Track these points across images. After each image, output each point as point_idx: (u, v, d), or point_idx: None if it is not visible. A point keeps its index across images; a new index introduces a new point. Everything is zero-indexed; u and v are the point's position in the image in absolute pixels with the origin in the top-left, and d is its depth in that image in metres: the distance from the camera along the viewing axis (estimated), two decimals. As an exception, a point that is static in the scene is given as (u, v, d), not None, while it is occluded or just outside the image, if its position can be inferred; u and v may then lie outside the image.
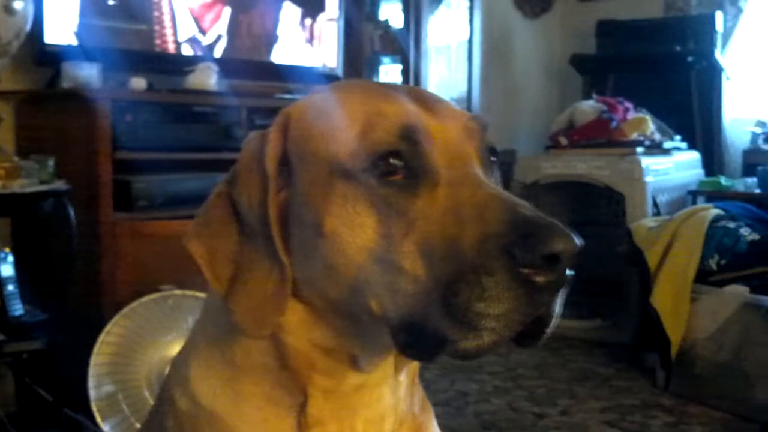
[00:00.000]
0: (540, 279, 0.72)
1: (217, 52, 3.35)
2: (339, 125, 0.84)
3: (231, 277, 0.86)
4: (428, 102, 0.88)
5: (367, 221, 0.81)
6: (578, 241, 0.73)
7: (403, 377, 0.96)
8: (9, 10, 2.32)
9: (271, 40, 3.59)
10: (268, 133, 0.89)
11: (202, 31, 3.30)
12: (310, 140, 0.86)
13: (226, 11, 3.38)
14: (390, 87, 0.90)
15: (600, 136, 4.26)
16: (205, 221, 0.89)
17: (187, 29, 3.23)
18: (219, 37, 3.37)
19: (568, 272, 0.74)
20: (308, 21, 3.74)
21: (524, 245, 0.72)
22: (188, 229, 0.89)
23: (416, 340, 0.79)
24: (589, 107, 4.42)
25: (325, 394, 0.90)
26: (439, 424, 1.09)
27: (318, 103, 0.89)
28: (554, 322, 0.78)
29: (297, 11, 3.67)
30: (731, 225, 3.35)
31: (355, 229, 0.81)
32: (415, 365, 0.99)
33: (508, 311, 0.72)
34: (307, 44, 3.74)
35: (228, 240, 0.87)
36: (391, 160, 0.81)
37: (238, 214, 0.88)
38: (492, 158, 0.90)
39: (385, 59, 4.94)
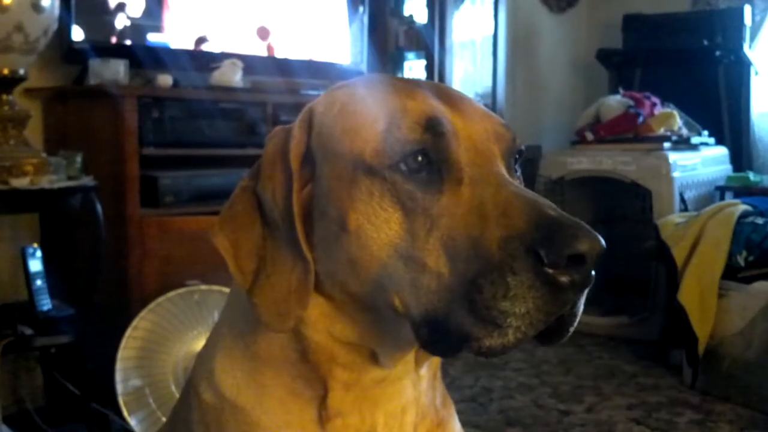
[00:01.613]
0: (564, 279, 0.73)
1: (242, 49, 3.35)
2: (363, 122, 0.85)
3: (254, 271, 0.87)
4: (452, 99, 0.88)
5: (392, 217, 0.81)
6: (602, 241, 0.74)
7: (424, 371, 0.96)
8: (37, 7, 2.34)
9: (296, 36, 3.59)
10: (292, 129, 0.89)
11: (227, 29, 3.31)
12: (334, 137, 0.86)
13: (251, 8, 3.39)
14: (413, 83, 0.90)
15: (627, 131, 4.23)
16: (229, 215, 0.90)
17: (211, 26, 3.25)
18: (243, 34, 3.37)
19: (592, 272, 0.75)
20: (333, 17, 3.74)
21: (549, 245, 0.72)
22: (213, 223, 0.90)
23: (438, 336, 0.79)
24: (615, 102, 4.39)
25: (346, 387, 0.91)
26: (464, 420, 1.09)
27: (341, 99, 0.89)
28: (577, 320, 0.79)
29: (322, 7, 3.67)
30: (759, 221, 3.31)
31: (379, 225, 0.81)
32: (437, 360, 0.99)
33: (532, 310, 0.73)
34: (332, 40, 3.74)
35: (252, 234, 0.88)
36: (419, 158, 0.81)
37: (262, 208, 0.88)
38: (516, 156, 0.90)
39: (410, 55, 4.93)
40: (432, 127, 0.82)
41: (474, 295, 0.75)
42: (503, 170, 0.83)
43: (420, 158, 0.81)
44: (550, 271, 0.72)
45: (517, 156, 0.90)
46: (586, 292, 0.77)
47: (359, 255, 0.83)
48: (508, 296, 0.73)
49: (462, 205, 0.79)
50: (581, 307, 0.78)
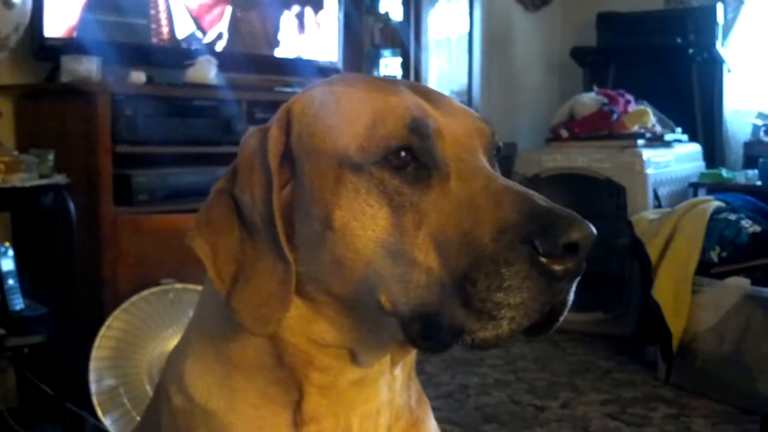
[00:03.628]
0: (559, 268, 0.74)
1: (217, 46, 3.33)
2: (346, 119, 0.84)
3: (233, 275, 0.85)
4: (431, 96, 0.88)
5: (378, 213, 0.81)
6: (594, 230, 0.75)
7: (398, 372, 0.96)
8: (7, 3, 2.32)
9: (271, 33, 3.58)
10: (269, 129, 0.88)
11: (202, 29, 3.28)
12: (316, 135, 0.85)
13: (228, 9, 3.37)
14: (391, 81, 0.90)
15: (601, 128, 4.25)
16: (206, 219, 0.88)
17: (186, 25, 3.22)
18: (220, 35, 3.35)
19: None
20: (308, 14, 3.73)
21: (544, 235, 0.73)
22: (190, 228, 0.88)
23: (429, 332, 0.79)
24: (589, 100, 4.41)
25: (321, 391, 0.90)
26: (441, 417, 1.08)
27: (320, 98, 0.88)
28: (566, 310, 0.79)
29: (297, 4, 3.66)
30: (732, 217, 3.35)
31: (366, 222, 0.81)
32: (411, 360, 0.99)
33: (526, 300, 0.74)
34: (307, 37, 3.73)
35: (230, 237, 0.86)
36: (402, 154, 0.81)
37: (239, 211, 0.87)
38: (495, 152, 0.91)
39: (386, 52, 4.93)
40: (416, 127, 0.82)
41: (467, 289, 0.75)
42: (487, 164, 0.84)
43: (405, 154, 0.81)
44: (545, 260, 0.73)
45: (496, 152, 0.91)
46: (576, 281, 0.77)
47: (344, 253, 0.82)
48: (502, 287, 0.73)
49: (451, 199, 0.79)
50: (571, 298, 0.79)
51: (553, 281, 0.74)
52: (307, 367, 0.89)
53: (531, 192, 0.78)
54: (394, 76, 4.59)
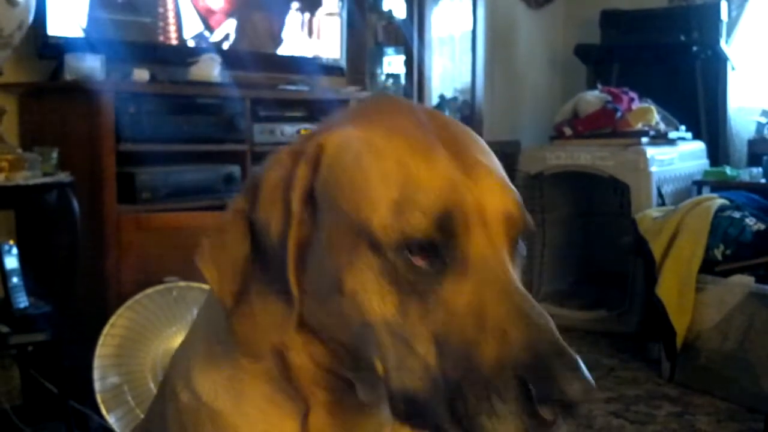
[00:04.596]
0: (551, 416, 0.72)
1: (221, 43, 3.33)
2: (374, 186, 0.80)
3: (236, 294, 0.85)
4: (469, 162, 0.83)
5: (387, 296, 0.79)
6: (594, 387, 0.73)
7: None
8: (11, 1, 2.31)
9: (275, 31, 3.58)
10: (297, 164, 0.84)
11: (209, 28, 3.28)
12: (343, 192, 0.82)
13: (234, 7, 3.36)
14: (430, 132, 0.84)
15: (604, 126, 4.24)
16: (220, 243, 0.86)
17: (192, 24, 3.22)
18: (227, 34, 3.35)
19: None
20: (311, 12, 3.72)
21: (542, 384, 0.71)
22: (201, 245, 0.86)
23: (412, 416, 0.79)
24: (593, 97, 4.41)
25: (327, 408, 0.90)
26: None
27: (354, 146, 0.84)
28: None
29: (301, 2, 3.66)
30: (736, 215, 3.34)
31: (373, 298, 0.79)
32: None
33: None
34: (310, 35, 3.73)
35: (239, 259, 0.85)
36: (424, 246, 0.78)
37: (254, 234, 0.85)
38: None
39: (389, 50, 4.92)
40: (443, 224, 0.78)
41: (457, 399, 0.74)
42: (508, 262, 0.81)
43: (426, 248, 0.78)
44: (537, 406, 0.71)
45: (523, 237, 0.86)
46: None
47: (350, 313, 0.81)
48: (490, 415, 0.72)
49: (461, 301, 0.77)
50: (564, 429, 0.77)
51: (541, 423, 0.72)
52: (312, 385, 0.89)
53: (542, 321, 0.75)
54: (398, 74, 4.60)
